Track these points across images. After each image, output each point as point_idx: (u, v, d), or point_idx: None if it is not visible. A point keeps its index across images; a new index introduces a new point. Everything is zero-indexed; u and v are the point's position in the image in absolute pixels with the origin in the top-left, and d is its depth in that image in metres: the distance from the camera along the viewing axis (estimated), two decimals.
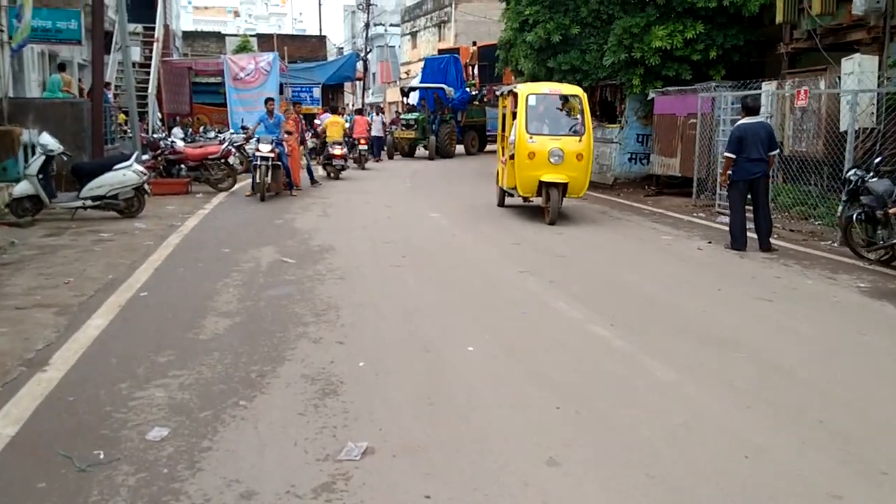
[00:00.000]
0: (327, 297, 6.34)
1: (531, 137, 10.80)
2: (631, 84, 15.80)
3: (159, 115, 22.33)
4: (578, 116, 11.37)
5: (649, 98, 15.53)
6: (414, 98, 28.42)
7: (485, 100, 30.13)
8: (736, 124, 9.07)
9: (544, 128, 11.25)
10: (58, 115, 13.56)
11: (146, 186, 11.42)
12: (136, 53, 20.75)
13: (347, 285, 6.80)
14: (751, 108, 8.64)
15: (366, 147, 24.45)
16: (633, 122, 16.56)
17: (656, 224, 11.18)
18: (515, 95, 11.58)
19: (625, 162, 16.77)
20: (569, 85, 12.70)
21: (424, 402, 4.01)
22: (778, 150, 9.20)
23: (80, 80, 19.61)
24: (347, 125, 24.97)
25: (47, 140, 10.88)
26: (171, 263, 7.84)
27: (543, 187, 10.84)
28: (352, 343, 5.07)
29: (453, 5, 53.25)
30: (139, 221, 10.81)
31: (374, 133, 26.83)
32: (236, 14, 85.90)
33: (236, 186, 15.21)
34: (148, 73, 22.48)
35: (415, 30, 59.98)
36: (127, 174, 11.08)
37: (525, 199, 11.81)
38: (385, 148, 27.45)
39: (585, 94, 11.92)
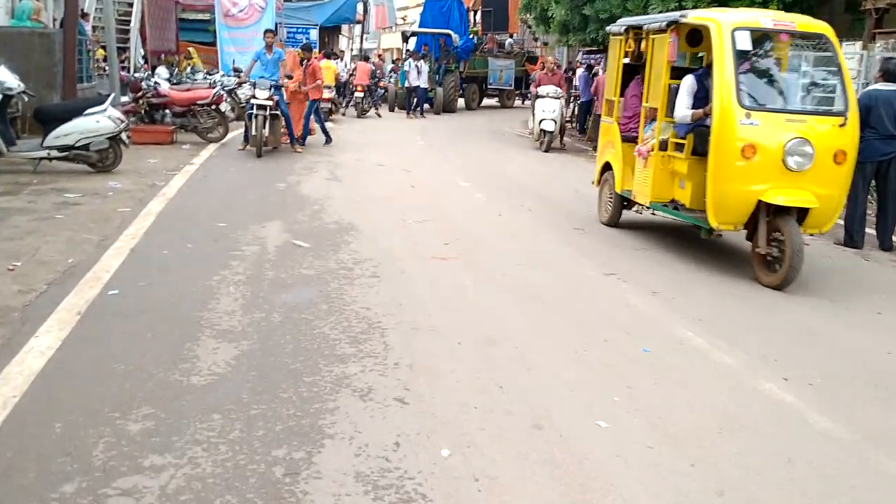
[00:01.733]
0: (363, 308, 4.67)
1: (747, 116, 5.64)
2: None
3: (142, 51, 20.18)
4: (831, 77, 6.18)
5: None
6: (415, 45, 25.93)
7: (485, 49, 27.97)
8: (865, 90, 7.38)
9: (772, 98, 6.10)
10: (25, 46, 11.57)
11: (124, 136, 9.58)
12: None
13: (386, 289, 5.11)
14: (893, 72, 6.90)
15: (362, 95, 22.74)
16: None
17: None
18: (682, 30, 6.59)
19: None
20: (809, 18, 6.59)
21: None
22: None
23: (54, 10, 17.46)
24: (344, 71, 23.06)
25: (5, 76, 9.01)
26: (151, 242, 6.11)
27: (764, 214, 5.73)
28: (418, 403, 3.42)
29: None
30: (114, 179, 9.01)
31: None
32: None
33: (228, 137, 13.36)
34: (131, 6, 20.28)
35: None
36: (101, 121, 9.24)
37: (710, 231, 6.18)
38: (383, 99, 25.55)
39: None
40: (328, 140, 13.46)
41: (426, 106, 22.23)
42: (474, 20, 31.07)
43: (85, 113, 9.22)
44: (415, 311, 4.67)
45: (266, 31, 12.41)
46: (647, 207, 6.94)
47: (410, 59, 21.30)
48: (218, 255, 5.77)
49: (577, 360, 4.05)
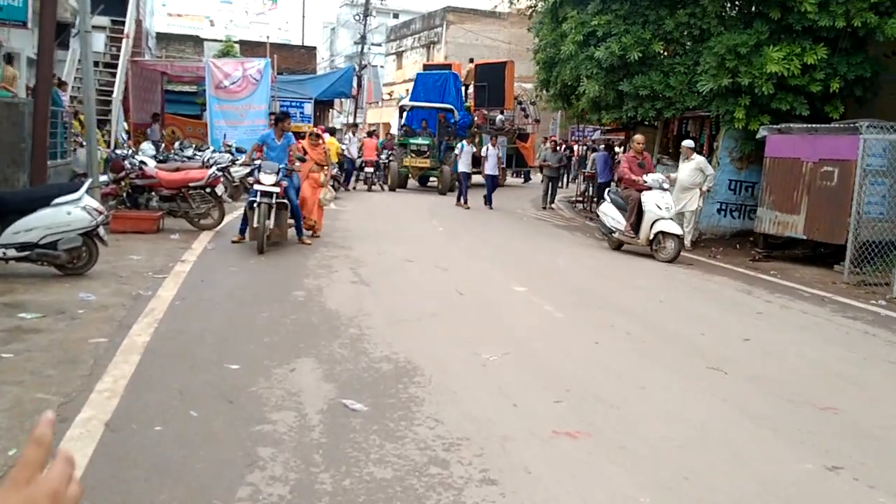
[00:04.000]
0: None
1: None
2: (731, 117, 12.55)
3: (125, 125, 18.47)
4: None
5: (759, 136, 12.25)
6: (406, 119, 24.20)
7: (477, 125, 26.60)
8: None
9: None
10: None
11: (102, 231, 7.70)
12: (99, 43, 16.93)
13: None
14: None
15: (371, 170, 21.79)
16: (727, 165, 13.28)
17: (854, 319, 7.77)
18: None
19: (712, 213, 13.44)
20: None
21: None
22: None
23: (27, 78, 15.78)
24: (345, 148, 21.56)
25: None
26: (135, 408, 4.15)
27: None
28: None
29: (444, 26, 50.44)
30: (87, 286, 7.08)
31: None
32: (212, 24, 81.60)
33: (224, 222, 11.53)
34: (114, 76, 18.69)
35: (400, 49, 56.95)
36: (73, 213, 7.37)
37: None
38: (385, 177, 24.04)
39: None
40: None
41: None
42: (466, 95, 29.91)
43: (54, 202, 7.35)
44: None
45: (280, 116, 10.72)
46: None
47: (465, 141, 19.14)
48: (237, 435, 3.83)
49: None
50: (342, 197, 18.23)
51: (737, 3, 12.77)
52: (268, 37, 33.43)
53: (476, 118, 27.24)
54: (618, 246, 11.71)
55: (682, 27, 13.22)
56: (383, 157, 24.37)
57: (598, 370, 5.33)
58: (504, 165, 26.31)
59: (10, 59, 13.93)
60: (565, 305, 7.37)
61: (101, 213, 7.67)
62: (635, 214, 11.07)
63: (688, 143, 12.60)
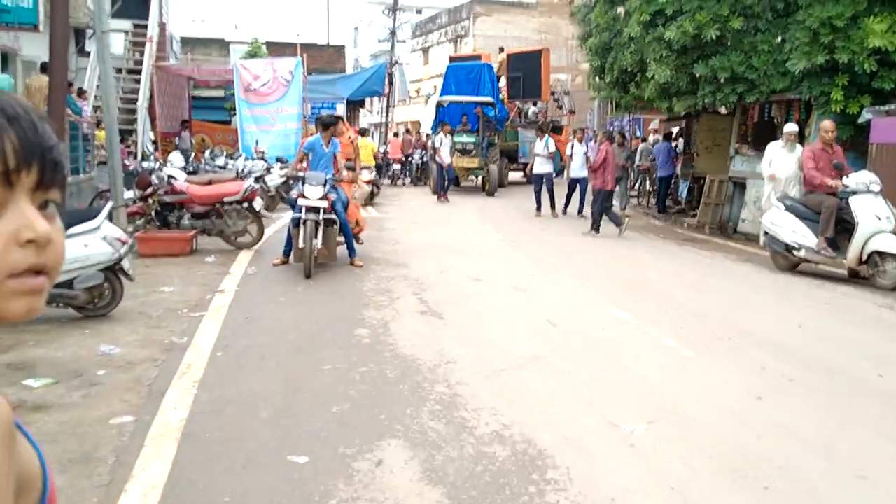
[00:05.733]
0: None
1: None
2: (828, 99, 11.05)
3: (151, 135, 17.40)
4: None
5: (862, 120, 10.73)
6: (440, 115, 22.72)
7: (509, 118, 25.10)
8: None
9: None
10: None
11: (126, 263, 6.52)
12: (119, 46, 15.84)
13: None
14: None
15: (399, 167, 22.31)
16: None
17: None
18: None
19: None
20: None
21: None
22: None
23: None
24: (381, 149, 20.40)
25: None
26: None
27: None
28: None
29: (472, 19, 49.13)
30: (110, 331, 5.91)
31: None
32: (236, 27, 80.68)
33: (263, 239, 10.35)
34: (138, 82, 17.65)
35: (427, 45, 55.72)
36: (92, 245, 6.20)
37: None
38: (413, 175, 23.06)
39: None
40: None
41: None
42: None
43: (68, 233, 6.16)
44: None
45: (331, 121, 9.21)
46: None
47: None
48: None
49: None
50: (382, 203, 17.01)
51: None
52: (298, 34, 32.22)
53: (509, 111, 25.81)
54: (793, 266, 9.36)
55: (765, 0, 11.72)
56: (416, 156, 23.16)
57: (789, 444, 3.97)
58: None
59: (44, 68, 12.89)
60: (690, 338, 6.00)
61: (124, 242, 6.47)
62: (832, 226, 8.70)
63: (791, 126, 10.80)
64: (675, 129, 18.60)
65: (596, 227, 12.46)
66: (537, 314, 6.75)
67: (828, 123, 9.56)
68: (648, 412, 4.34)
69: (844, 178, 8.74)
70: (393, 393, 4.65)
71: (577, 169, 14.52)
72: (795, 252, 9.07)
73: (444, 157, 17.89)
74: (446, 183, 18.25)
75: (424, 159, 22.99)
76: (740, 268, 9.62)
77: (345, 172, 9.30)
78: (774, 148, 10.64)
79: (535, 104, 28.56)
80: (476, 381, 4.88)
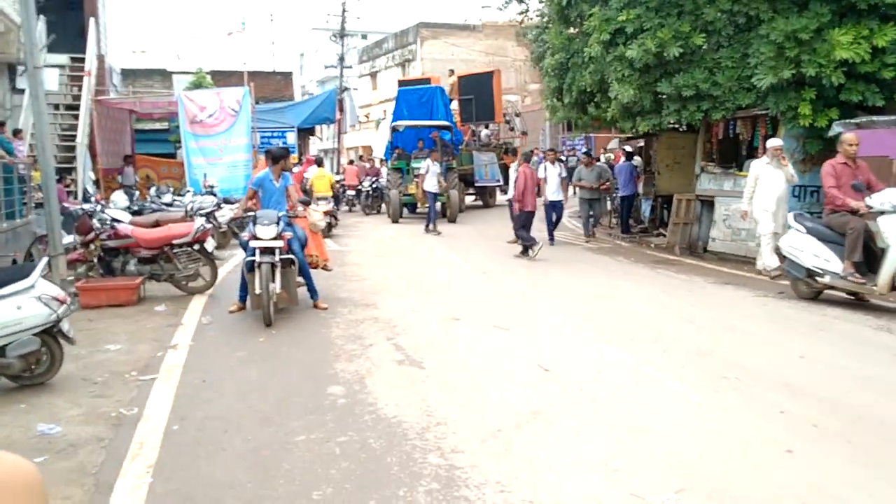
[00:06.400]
0: None
1: None
2: (795, 114, 10.87)
3: (91, 175, 16.48)
4: None
5: (832, 133, 10.54)
6: (394, 140, 22.05)
7: (464, 142, 24.64)
8: None
9: None
10: None
11: (65, 324, 5.79)
12: (53, 81, 14.94)
13: None
14: None
15: (354, 194, 21.92)
16: None
17: None
18: None
19: None
20: None
21: None
22: None
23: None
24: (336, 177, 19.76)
25: None
26: None
27: None
28: None
29: (419, 42, 49.05)
30: (48, 410, 5.18)
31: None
32: (178, 57, 79.10)
33: (218, 280, 9.66)
34: (77, 118, 16.72)
35: (374, 70, 55.44)
36: (25, 307, 5.49)
37: None
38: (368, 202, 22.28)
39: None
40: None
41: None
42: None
43: (0, 294, 5.45)
44: None
45: (281, 152, 8.53)
46: None
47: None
48: None
49: None
50: (340, 234, 16.38)
51: None
52: (245, 63, 31.46)
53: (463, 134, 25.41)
54: (816, 294, 8.64)
55: (726, 16, 11.54)
56: (366, 183, 22.51)
57: None
58: (499, 183, 24.46)
59: None
60: (694, 380, 5.53)
61: (62, 301, 5.75)
62: (860, 250, 7.97)
63: (776, 141, 10.22)
64: (628, 148, 18.32)
65: (525, 249, 12.38)
66: (526, 358, 6.22)
67: (850, 136, 8.88)
68: (674, 479, 3.83)
69: (867, 197, 8.12)
70: (381, 469, 4.06)
71: (554, 192, 14.11)
72: (819, 279, 8.34)
73: (431, 185, 16.96)
74: (434, 214, 16.82)
75: (375, 186, 22.35)
76: (722, 292, 9.26)
77: (300, 207, 8.69)
78: (759, 165, 10.02)
79: (487, 126, 28.24)
80: (473, 447, 4.31)
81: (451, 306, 8.39)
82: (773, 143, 10.10)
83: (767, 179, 9.82)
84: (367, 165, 24.70)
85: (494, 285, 9.98)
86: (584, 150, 30.54)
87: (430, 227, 16.45)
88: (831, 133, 10.57)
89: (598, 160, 20.74)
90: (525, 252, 12.38)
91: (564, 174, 14.63)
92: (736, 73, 11.41)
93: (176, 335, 7.32)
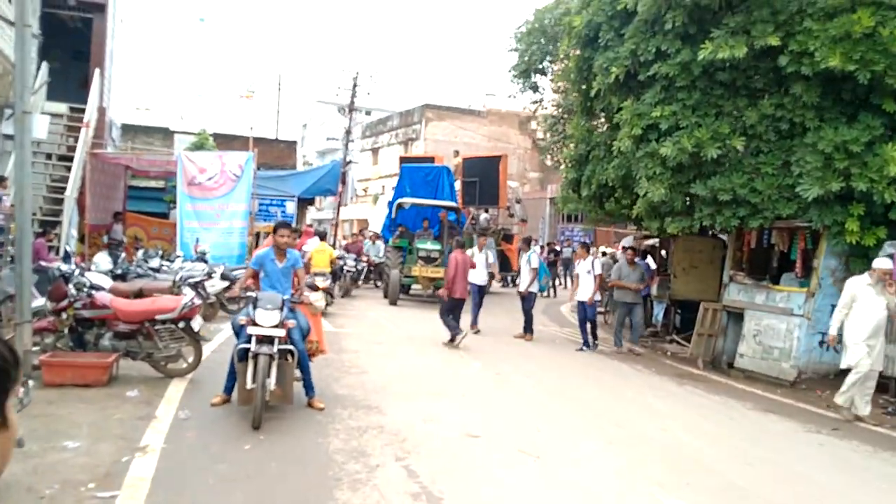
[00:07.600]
0: None
1: None
2: (841, 229, 10.13)
3: (74, 232, 15.46)
4: None
5: (884, 254, 9.74)
6: (398, 218, 21.15)
7: (466, 224, 23.88)
8: None
9: None
10: None
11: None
12: (43, 130, 14.07)
13: None
14: None
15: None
16: (829, 287, 10.70)
17: None
18: None
19: (813, 347, 10.79)
20: None
21: None
22: None
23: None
24: (336, 252, 18.78)
25: None
26: None
27: None
28: None
29: (423, 122, 49.17)
30: None
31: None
32: (181, 118, 79.26)
33: (200, 363, 8.57)
34: (69, 169, 15.84)
35: (377, 146, 55.46)
36: None
37: None
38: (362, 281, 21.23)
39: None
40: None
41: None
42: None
43: None
44: None
45: (280, 226, 7.41)
46: None
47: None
48: None
49: None
50: (335, 313, 15.34)
51: (842, 95, 10.50)
52: (251, 128, 30.97)
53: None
54: None
55: (767, 120, 10.93)
56: (350, 261, 20.85)
57: None
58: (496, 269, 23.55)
59: None
60: None
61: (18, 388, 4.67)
62: None
63: (885, 262, 8.82)
64: (624, 243, 17.47)
65: (452, 338, 11.93)
66: (562, 498, 5.14)
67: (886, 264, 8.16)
68: None
69: None
70: None
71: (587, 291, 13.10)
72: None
73: (480, 277, 14.16)
74: (477, 311, 14.29)
75: (359, 267, 20.97)
76: (770, 424, 8.25)
77: (307, 292, 7.71)
78: (858, 284, 8.83)
79: (486, 211, 27.61)
80: None
81: (467, 417, 7.34)
82: (880, 263, 8.84)
83: (866, 304, 8.59)
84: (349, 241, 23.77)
85: (511, 391, 8.93)
86: (579, 239, 29.70)
87: (473, 326, 13.76)
88: (882, 253, 9.78)
89: (605, 254, 20.03)
90: (452, 340, 11.88)
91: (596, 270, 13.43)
92: (777, 181, 10.72)
93: (147, 433, 6.20)
